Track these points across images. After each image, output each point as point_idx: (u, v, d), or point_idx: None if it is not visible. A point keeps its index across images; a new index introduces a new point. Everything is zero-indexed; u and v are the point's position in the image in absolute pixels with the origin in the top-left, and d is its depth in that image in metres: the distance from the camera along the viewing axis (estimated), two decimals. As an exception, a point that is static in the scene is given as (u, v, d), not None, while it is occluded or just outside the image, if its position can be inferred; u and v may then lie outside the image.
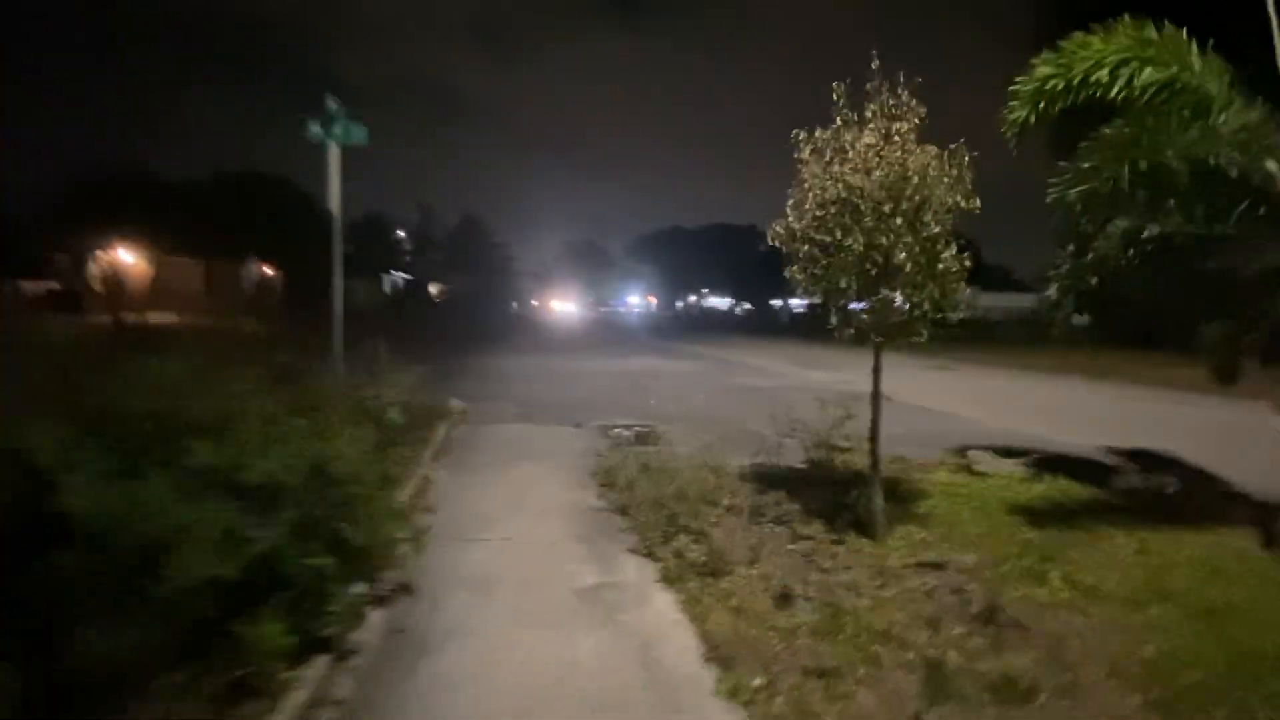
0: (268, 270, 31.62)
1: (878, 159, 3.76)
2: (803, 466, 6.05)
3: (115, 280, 27.71)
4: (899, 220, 3.65)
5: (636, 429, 8.02)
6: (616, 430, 7.89)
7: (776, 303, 52.59)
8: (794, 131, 4.14)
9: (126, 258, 27.86)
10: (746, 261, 57.31)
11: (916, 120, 3.90)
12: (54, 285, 27.06)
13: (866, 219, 3.70)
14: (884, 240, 3.69)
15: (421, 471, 5.55)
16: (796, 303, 50.91)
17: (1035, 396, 12.83)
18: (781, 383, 12.53)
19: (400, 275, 48.33)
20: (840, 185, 3.87)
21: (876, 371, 4.31)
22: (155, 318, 23.68)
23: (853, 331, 4.08)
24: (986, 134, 4.26)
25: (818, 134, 4.09)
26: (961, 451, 6.85)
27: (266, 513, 2.34)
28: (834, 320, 4.18)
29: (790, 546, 4.02)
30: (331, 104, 7.42)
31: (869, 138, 3.84)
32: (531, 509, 4.92)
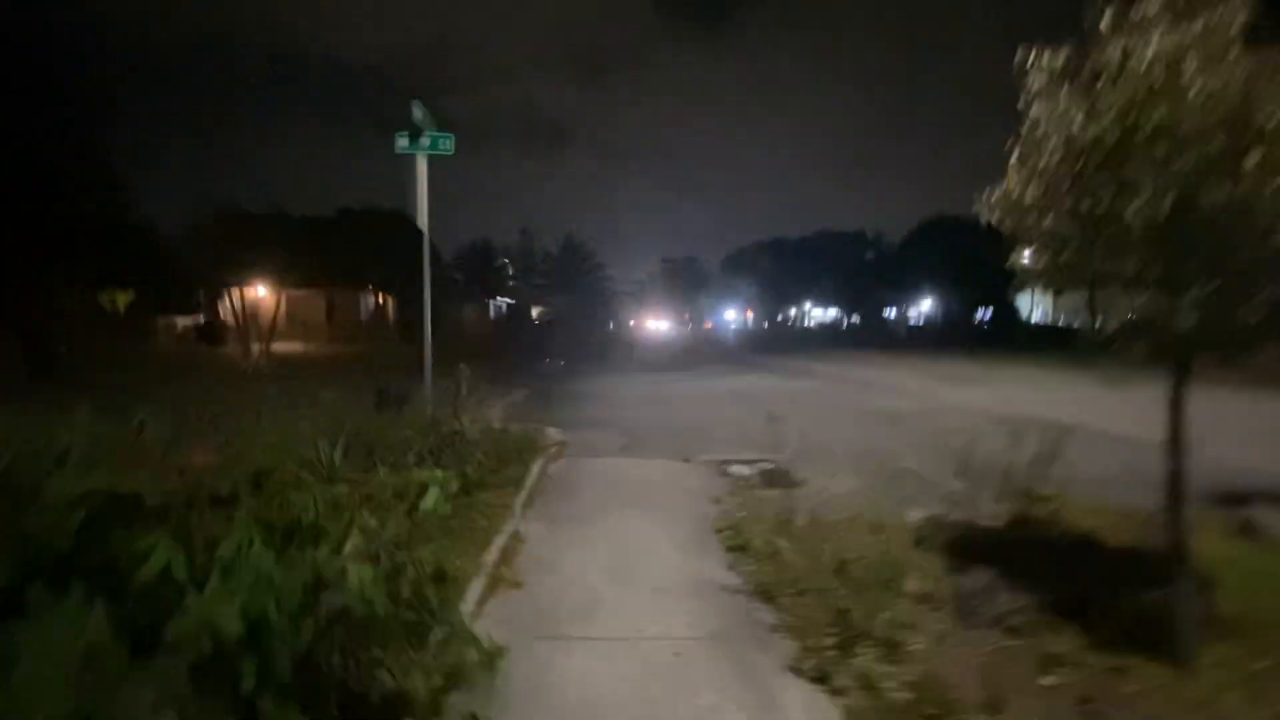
0: (382, 299, 33.30)
1: (1191, 70, 2.35)
2: (998, 525, 4.54)
3: (249, 314, 30.11)
4: (1252, 161, 2.21)
5: (760, 465, 6.75)
6: (736, 467, 6.66)
7: (890, 313, 49.02)
8: (1019, 52, 2.81)
9: (259, 291, 30.18)
10: (854, 270, 54.13)
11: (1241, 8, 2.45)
12: (199, 319, 29.81)
13: (1183, 160, 2.29)
14: (1214, 195, 2.26)
15: (511, 526, 4.60)
16: (916, 313, 47.23)
17: (1265, 419, 10.18)
18: (926, 404, 10.74)
19: (505, 300, 49.78)
20: (1109, 119, 2.49)
21: (1177, 404, 2.79)
22: (282, 347, 25.22)
23: (1148, 345, 2.61)
24: None
25: (1060, 54, 2.74)
26: (1226, 503, 5.00)
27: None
28: (1104, 326, 2.75)
29: (1045, 680, 2.61)
30: (417, 112, 6.85)
31: (1168, 40, 2.43)
32: (644, 584, 3.79)
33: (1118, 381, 2.96)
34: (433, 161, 7.12)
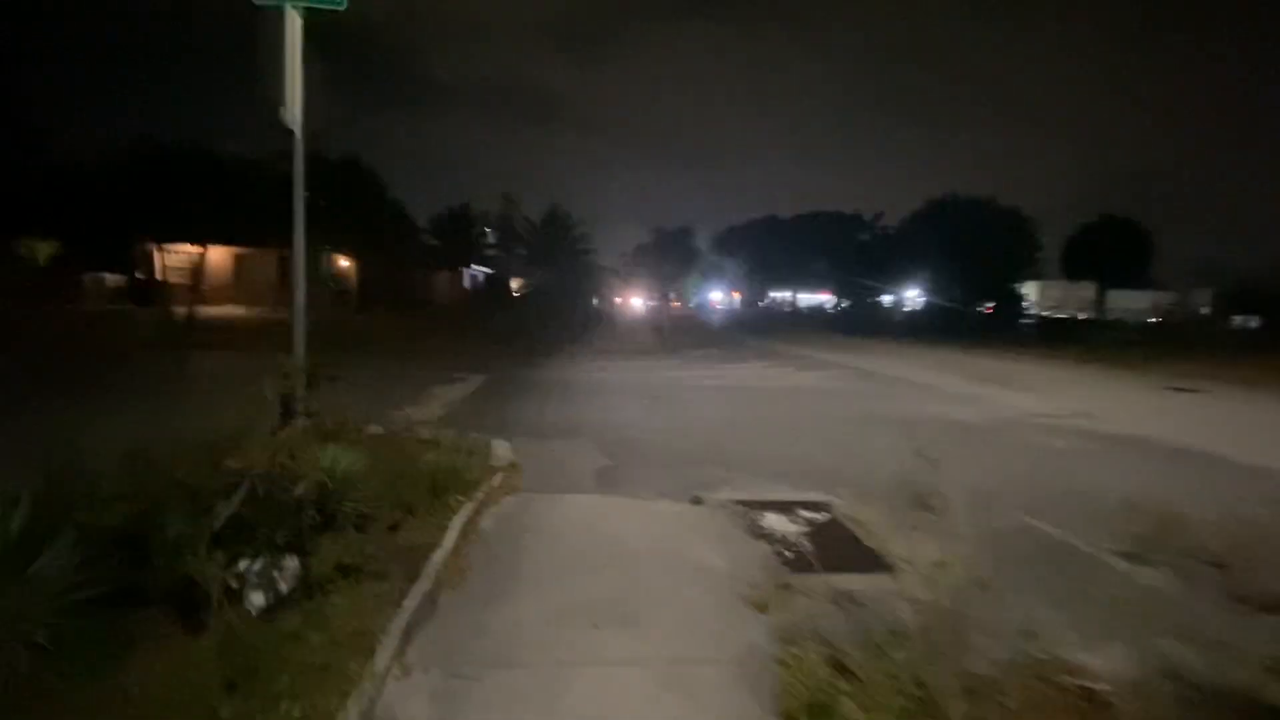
0: (343, 261, 30.32)
1: None
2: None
3: (195, 273, 27.00)
4: None
5: (808, 513, 4.43)
6: (773, 518, 4.32)
7: (887, 298, 46.94)
8: None
9: (199, 249, 27.04)
10: (852, 252, 51.91)
11: None
12: (134, 276, 26.64)
13: None
14: None
15: (357, 706, 2.18)
16: (914, 299, 45.22)
17: None
18: (990, 413, 8.46)
19: (481, 269, 46.73)
20: None
21: None
22: (222, 311, 22.36)
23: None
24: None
25: None
26: None
27: None
28: None
29: None
30: (292, -58, 4.25)
31: None
32: None
33: None
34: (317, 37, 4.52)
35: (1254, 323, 32.16)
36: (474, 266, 45.42)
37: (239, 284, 26.88)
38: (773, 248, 59.49)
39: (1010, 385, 11.14)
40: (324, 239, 28.30)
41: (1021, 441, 6.86)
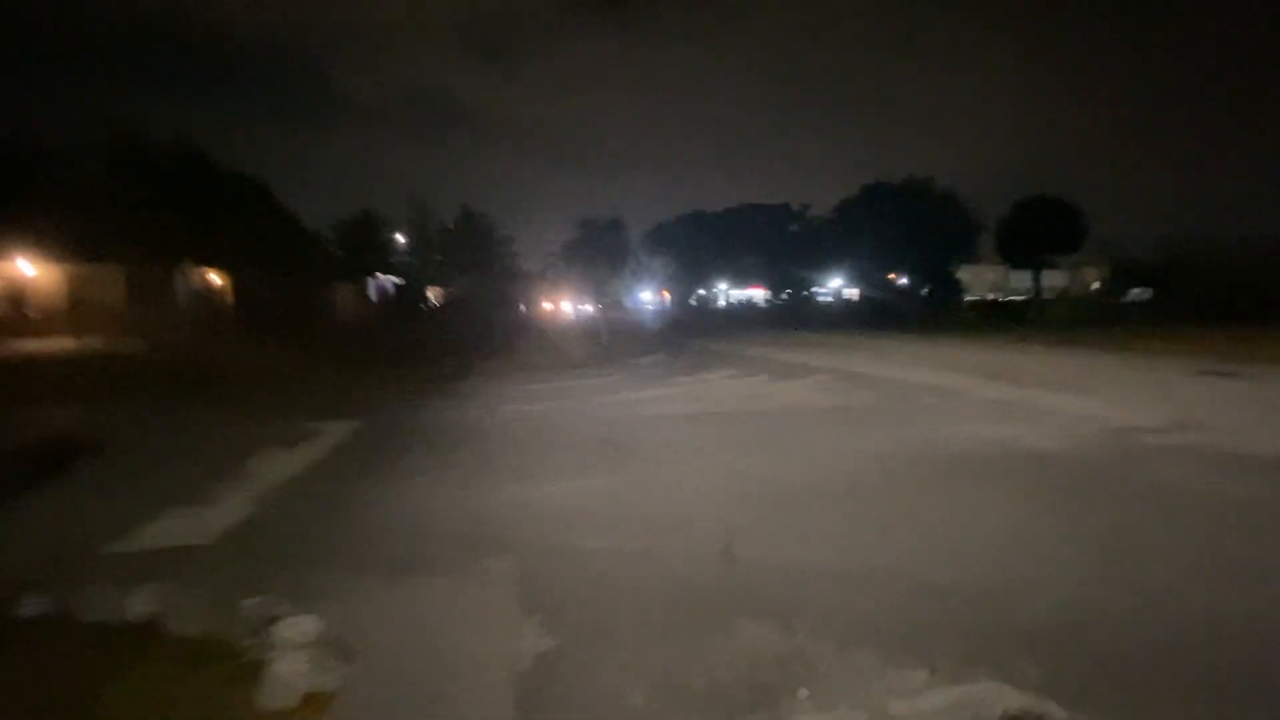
0: (213, 278, 25.64)
1: None
2: None
3: (14, 299, 21.82)
4: None
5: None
6: None
7: (825, 291, 45.88)
8: None
9: (28, 267, 21.88)
10: (782, 244, 50.71)
11: None
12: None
13: None
14: None
15: None
16: (850, 290, 44.31)
17: None
18: (1058, 435, 6.06)
19: (391, 279, 42.20)
20: None
21: None
22: (40, 344, 17.73)
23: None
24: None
25: None
26: None
27: None
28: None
29: None
30: None
31: None
32: None
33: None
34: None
35: (1147, 295, 32.91)
36: (382, 276, 40.90)
37: (75, 310, 21.88)
38: (702, 244, 57.64)
39: (1038, 384, 8.98)
40: (187, 251, 23.76)
41: (1162, 488, 4.45)
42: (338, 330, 24.88)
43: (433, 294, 47.76)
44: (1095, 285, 39.85)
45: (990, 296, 36.96)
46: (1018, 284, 42.41)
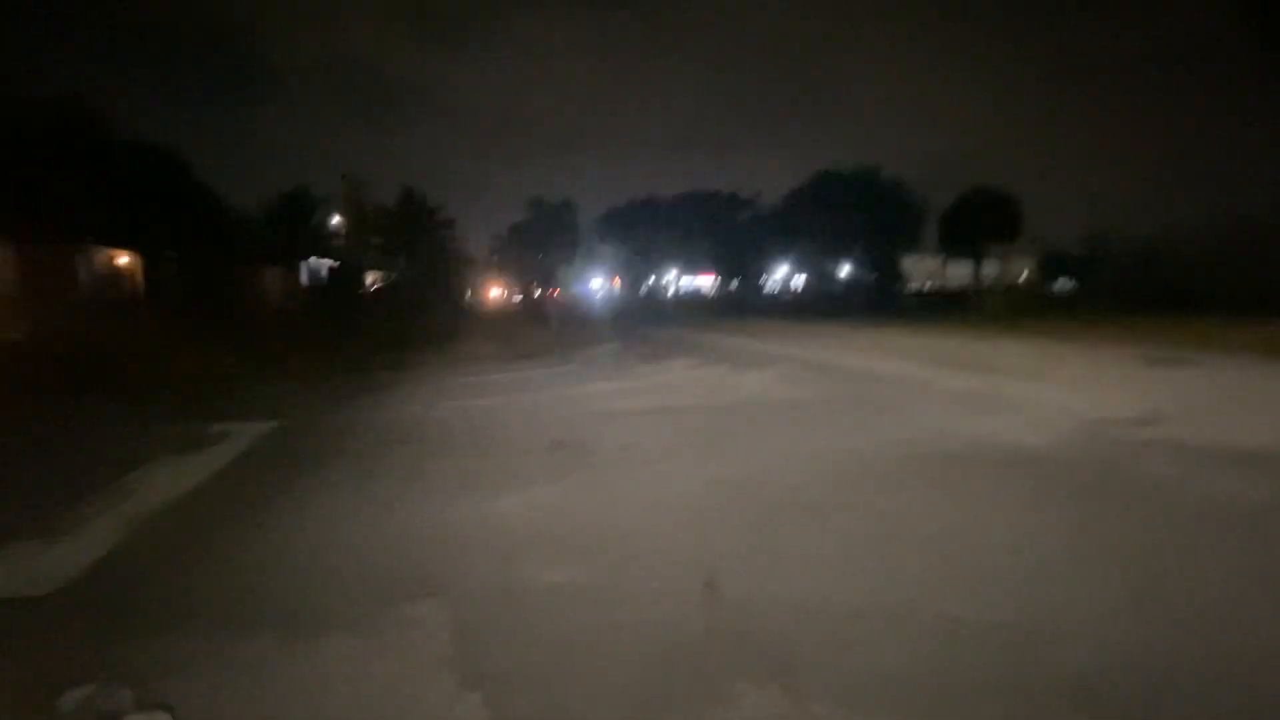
0: (123, 260, 23.35)
1: None
2: None
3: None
4: None
5: None
6: None
7: (773, 279, 46.12)
8: None
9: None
10: (730, 233, 50.66)
11: None
12: None
13: None
14: None
15: None
16: (800, 278, 44.65)
17: None
18: (1036, 429, 5.76)
19: (327, 262, 39.85)
20: None
21: None
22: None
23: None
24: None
25: None
26: None
27: None
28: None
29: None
30: None
31: None
32: None
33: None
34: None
35: (1072, 286, 34.41)
36: (316, 260, 38.57)
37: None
38: (654, 231, 57.03)
39: (999, 373, 8.81)
40: (89, 230, 21.51)
41: (1167, 490, 4.14)
42: (263, 317, 23.13)
43: (372, 278, 45.55)
44: (1024, 276, 41.42)
45: (929, 285, 37.85)
46: (952, 273, 43.51)
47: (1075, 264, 33.50)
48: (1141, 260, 30.64)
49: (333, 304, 29.68)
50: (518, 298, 59.10)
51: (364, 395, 8.42)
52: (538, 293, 56.03)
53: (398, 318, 25.68)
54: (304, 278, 36.37)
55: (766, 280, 50.41)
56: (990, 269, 39.68)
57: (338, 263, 39.55)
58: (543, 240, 55.03)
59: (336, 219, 45.91)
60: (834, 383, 8.48)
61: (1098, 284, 30.49)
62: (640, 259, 60.25)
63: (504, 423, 6.44)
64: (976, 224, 34.03)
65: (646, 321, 25.87)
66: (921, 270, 43.19)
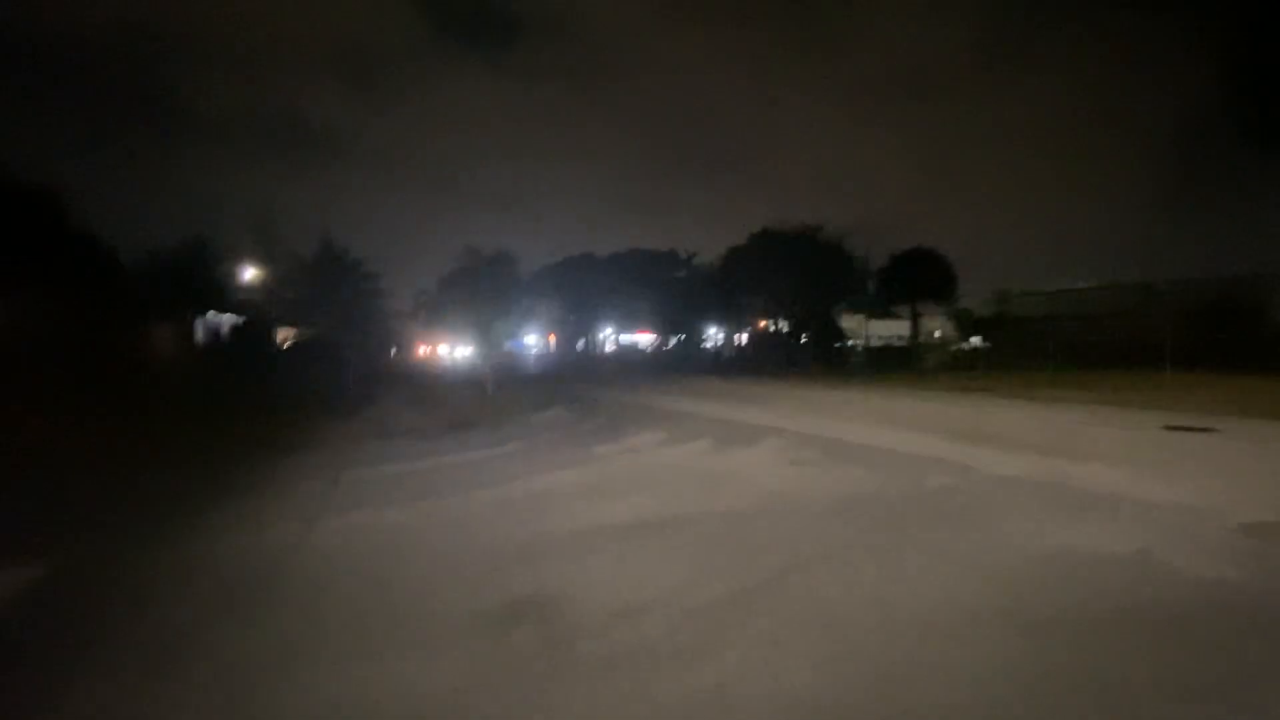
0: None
1: None
2: None
3: None
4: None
5: None
6: None
7: (714, 336, 45.36)
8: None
9: None
10: (667, 291, 49.93)
11: None
12: None
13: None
14: None
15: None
16: (740, 335, 44.05)
17: None
18: (1182, 547, 4.17)
19: (230, 316, 35.78)
20: None
21: None
22: None
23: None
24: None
25: None
26: None
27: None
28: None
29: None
30: None
31: None
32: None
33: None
34: None
35: (983, 343, 35.19)
36: (216, 315, 34.54)
37: None
38: (589, 287, 55.70)
39: (1038, 450, 7.34)
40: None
41: None
42: (135, 379, 19.52)
43: (283, 335, 41.53)
44: (937, 334, 42.36)
45: (865, 342, 37.99)
46: (884, 330, 43.99)
47: (983, 323, 34.21)
48: (1042, 319, 31.97)
49: (231, 364, 26.05)
50: (451, 354, 55.96)
51: (224, 497, 5.97)
52: (470, 349, 53.03)
53: (309, 378, 22.56)
54: (200, 334, 32.27)
55: (707, 337, 49.70)
56: (900, 328, 40.29)
57: (242, 318, 35.51)
58: (475, 293, 52.31)
59: (250, 271, 42.02)
60: (853, 468, 6.73)
61: (1004, 342, 31.24)
62: (575, 316, 58.64)
63: (423, 560, 4.23)
64: (914, 282, 34.51)
65: (589, 380, 23.91)
66: (857, 326, 43.52)
